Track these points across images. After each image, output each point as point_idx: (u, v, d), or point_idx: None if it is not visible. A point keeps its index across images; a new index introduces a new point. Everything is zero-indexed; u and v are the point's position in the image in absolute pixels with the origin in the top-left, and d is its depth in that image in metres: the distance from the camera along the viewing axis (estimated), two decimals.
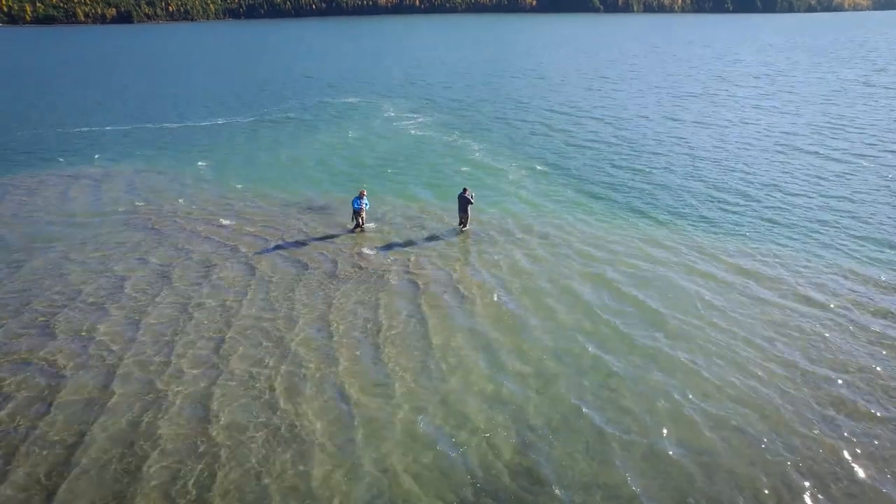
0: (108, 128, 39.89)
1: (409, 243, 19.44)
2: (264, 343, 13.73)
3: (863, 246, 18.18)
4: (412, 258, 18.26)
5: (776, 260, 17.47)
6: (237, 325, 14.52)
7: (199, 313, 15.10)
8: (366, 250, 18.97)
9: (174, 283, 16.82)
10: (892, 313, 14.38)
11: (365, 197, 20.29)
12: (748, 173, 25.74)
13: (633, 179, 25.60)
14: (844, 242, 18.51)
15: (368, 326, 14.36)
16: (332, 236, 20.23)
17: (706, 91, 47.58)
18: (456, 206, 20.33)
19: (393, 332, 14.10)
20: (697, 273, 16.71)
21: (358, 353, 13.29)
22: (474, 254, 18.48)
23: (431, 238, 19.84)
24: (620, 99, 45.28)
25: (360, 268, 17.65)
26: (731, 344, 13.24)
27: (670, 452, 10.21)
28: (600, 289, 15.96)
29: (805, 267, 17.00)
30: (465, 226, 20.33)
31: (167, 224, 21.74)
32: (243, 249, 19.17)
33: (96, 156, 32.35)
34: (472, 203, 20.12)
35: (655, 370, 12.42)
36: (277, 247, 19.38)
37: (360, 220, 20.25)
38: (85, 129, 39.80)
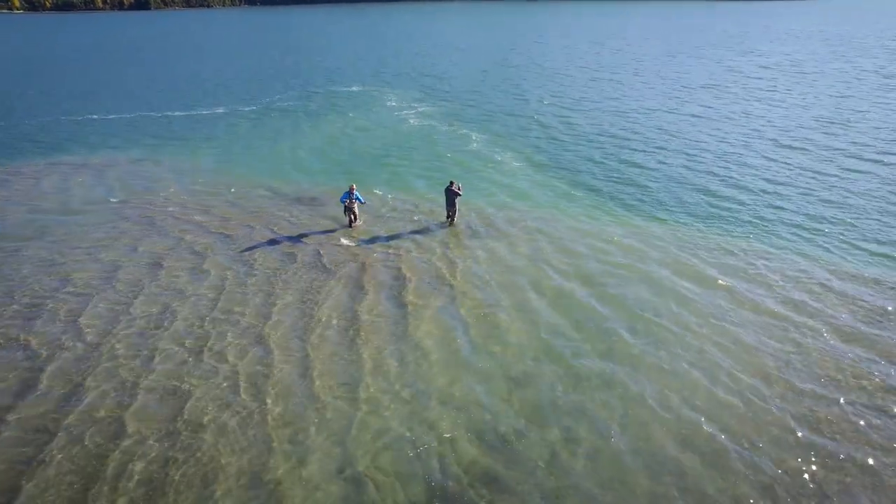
0: (112, 116, 40.13)
1: (394, 237, 19.26)
2: (231, 335, 13.71)
3: (858, 250, 17.51)
4: (393, 252, 18.07)
5: (764, 262, 16.93)
6: (212, 316, 14.51)
7: (176, 304, 15.13)
8: (348, 242, 18.85)
9: (157, 274, 16.88)
10: (877, 320, 13.95)
11: (356, 191, 19.84)
12: (747, 170, 24.94)
13: (629, 175, 25.03)
14: (840, 245, 17.87)
15: (335, 322, 14.21)
16: (320, 228, 20.13)
17: (713, 83, 46.37)
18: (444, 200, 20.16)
19: (362, 329, 13.93)
20: (685, 273, 16.22)
21: (323, 349, 13.17)
22: (457, 249, 18.24)
23: (417, 231, 19.63)
24: (625, 90, 44.39)
25: (340, 262, 17.48)
26: (710, 350, 12.84)
27: (634, 464, 9.96)
28: (582, 288, 15.64)
29: (796, 269, 16.53)
30: (453, 219, 20.11)
31: (157, 214, 21.83)
32: (229, 240, 19.16)
33: (97, 144, 32.61)
34: (459, 195, 19.89)
35: (631, 375, 12.09)
36: (265, 238, 19.31)
37: (353, 215, 19.87)
38: (94, 116, 40.09)
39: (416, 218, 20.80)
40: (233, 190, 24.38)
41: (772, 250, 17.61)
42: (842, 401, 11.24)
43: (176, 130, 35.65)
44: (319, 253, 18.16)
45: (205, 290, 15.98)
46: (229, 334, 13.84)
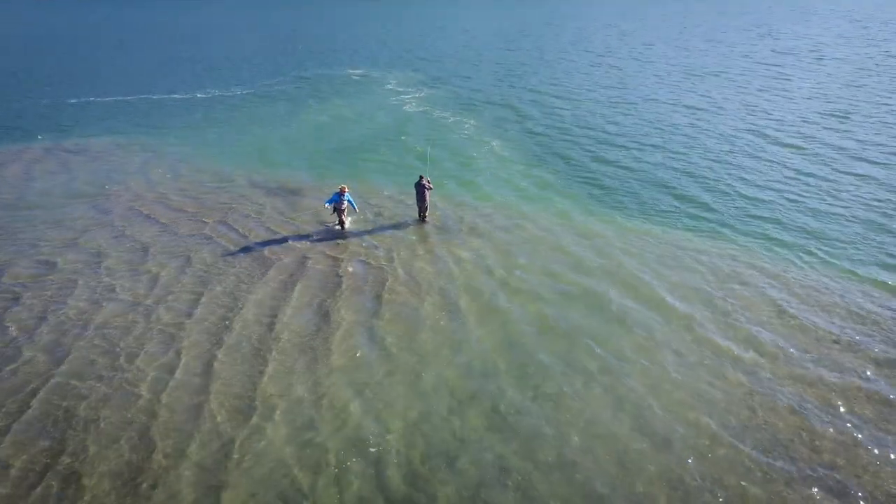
0: (109, 98, 40.09)
1: (363, 233, 18.78)
2: (174, 341, 13.48)
3: (862, 261, 16.40)
4: (357, 250, 17.62)
5: (758, 269, 16.14)
6: (157, 315, 14.32)
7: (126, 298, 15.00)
8: (311, 241, 18.44)
9: (108, 266, 16.73)
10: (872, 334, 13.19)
11: (347, 193, 18.62)
12: (750, 170, 23.63)
13: (621, 171, 23.96)
14: (843, 252, 16.73)
15: (247, 332, 13.92)
16: (297, 223, 19.69)
17: (724, 70, 44.51)
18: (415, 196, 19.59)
19: (294, 333, 13.55)
20: (668, 280, 15.38)
21: (264, 353, 12.86)
22: (423, 249, 17.66)
23: (387, 228, 19.13)
24: (630, 79, 42.80)
25: (276, 260, 17.03)
26: (686, 363, 12.21)
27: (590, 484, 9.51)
28: (554, 293, 14.91)
29: (792, 276, 15.74)
30: (425, 216, 19.55)
31: (138, 203, 21.70)
32: (177, 236, 18.94)
33: (79, 129, 32.52)
34: (430, 189, 19.35)
35: (595, 393, 11.46)
36: (237, 231, 19.04)
37: (342, 218, 18.75)
38: (90, 99, 40.10)
39: (387, 213, 20.28)
40: (217, 179, 24.13)
41: (769, 257, 16.79)
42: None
43: (165, 115, 35.45)
44: (285, 249, 17.80)
45: (142, 290, 15.77)
46: (173, 336, 13.60)
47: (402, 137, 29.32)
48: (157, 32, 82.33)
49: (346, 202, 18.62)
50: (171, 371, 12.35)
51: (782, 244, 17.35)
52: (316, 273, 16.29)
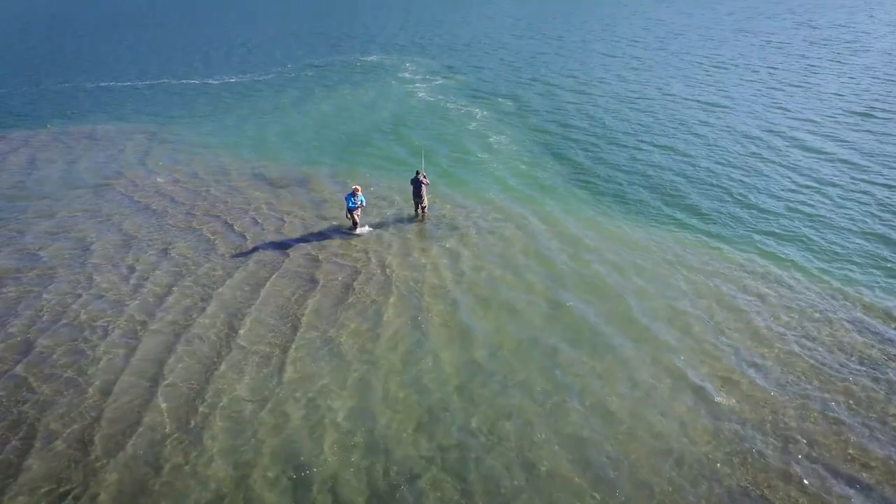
0: (125, 83, 40.12)
1: (350, 229, 18.15)
2: (165, 332, 13.06)
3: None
4: (339, 249, 17.00)
5: (760, 297, 15.06)
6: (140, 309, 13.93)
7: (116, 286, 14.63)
8: (300, 236, 17.89)
9: (92, 260, 16.43)
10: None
11: (360, 194, 17.79)
12: (767, 179, 21.85)
13: (620, 174, 22.31)
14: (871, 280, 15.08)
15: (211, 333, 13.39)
16: (289, 218, 19.24)
17: (754, 63, 42.38)
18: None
19: (252, 334, 13.05)
20: (650, 299, 14.25)
21: (216, 356, 12.37)
22: (417, 249, 16.97)
23: (378, 225, 18.49)
24: (652, 72, 40.71)
25: (284, 256, 16.63)
26: (642, 396, 11.26)
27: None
28: (546, 305, 14.09)
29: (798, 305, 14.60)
30: (422, 212, 18.80)
31: (139, 193, 21.44)
32: (190, 224, 18.64)
33: (90, 115, 32.54)
34: (426, 184, 18.57)
35: (571, 417, 10.66)
36: (225, 223, 18.67)
37: (355, 220, 17.98)
38: (107, 84, 40.17)
39: (384, 211, 19.59)
40: (222, 171, 23.83)
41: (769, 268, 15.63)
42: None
43: (167, 102, 35.28)
44: (278, 245, 17.33)
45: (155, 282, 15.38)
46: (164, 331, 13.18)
47: (406, 130, 28.50)
48: (178, 16, 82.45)
49: (360, 203, 17.71)
50: (119, 371, 12.06)
51: (798, 267, 15.55)
52: (290, 272, 15.79)
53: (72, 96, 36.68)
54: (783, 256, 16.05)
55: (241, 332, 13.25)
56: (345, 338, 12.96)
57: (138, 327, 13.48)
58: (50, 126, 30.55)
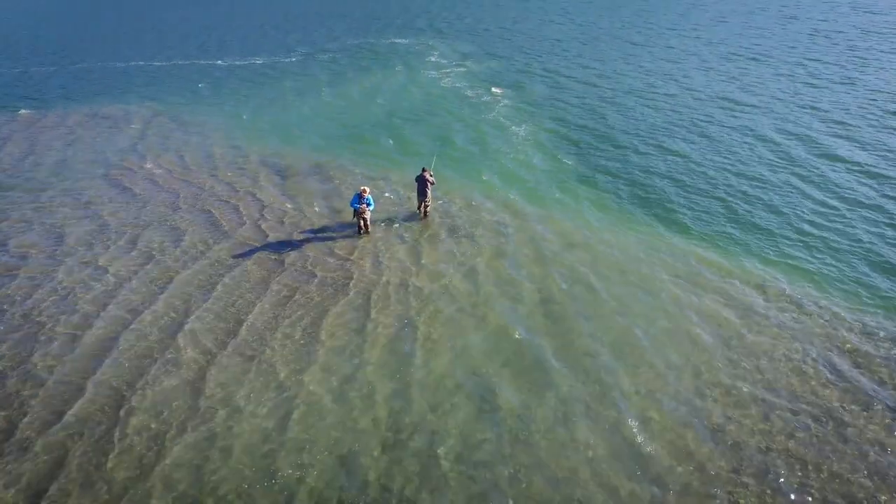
0: (155, 63, 40.60)
1: (347, 227, 17.87)
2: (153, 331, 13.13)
3: None
4: (329, 248, 16.71)
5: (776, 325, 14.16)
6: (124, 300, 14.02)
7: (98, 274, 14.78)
8: (299, 233, 17.70)
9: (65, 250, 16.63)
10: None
11: (368, 195, 17.05)
12: (792, 192, 20.39)
13: (637, 176, 21.08)
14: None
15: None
16: (292, 213, 19.08)
17: (795, 57, 39.90)
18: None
19: (210, 334, 12.92)
20: (650, 324, 13.27)
21: (228, 357, 12.32)
22: (413, 253, 16.49)
23: (380, 221, 18.15)
24: (689, 62, 38.84)
25: (284, 253, 16.47)
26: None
27: None
28: (541, 322, 13.36)
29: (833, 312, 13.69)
30: (426, 211, 18.35)
31: (138, 180, 21.67)
32: (196, 215, 18.68)
33: (101, 96, 32.95)
34: (432, 184, 18.10)
35: (557, 446, 10.20)
36: (213, 216, 18.66)
37: (363, 223, 17.32)
38: (135, 64, 40.69)
39: (388, 208, 19.16)
40: (233, 159, 23.83)
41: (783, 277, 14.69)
42: None
43: (187, 82, 35.55)
44: (273, 242, 17.24)
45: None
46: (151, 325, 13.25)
47: (427, 118, 27.91)
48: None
49: (365, 205, 17.02)
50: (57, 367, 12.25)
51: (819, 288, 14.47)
52: (294, 269, 15.60)
53: (92, 75, 37.27)
54: (822, 287, 14.72)
55: (242, 331, 13.17)
56: (324, 349, 12.74)
57: (92, 319, 13.55)
58: (56, 107, 31.15)
